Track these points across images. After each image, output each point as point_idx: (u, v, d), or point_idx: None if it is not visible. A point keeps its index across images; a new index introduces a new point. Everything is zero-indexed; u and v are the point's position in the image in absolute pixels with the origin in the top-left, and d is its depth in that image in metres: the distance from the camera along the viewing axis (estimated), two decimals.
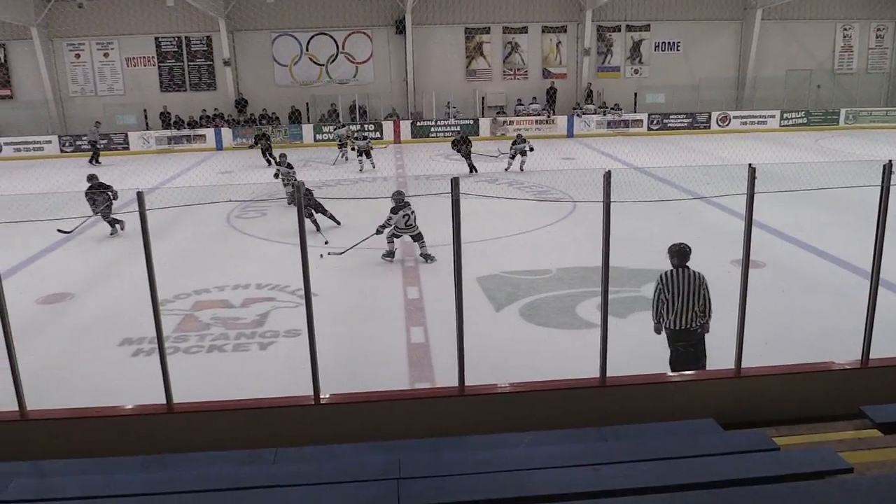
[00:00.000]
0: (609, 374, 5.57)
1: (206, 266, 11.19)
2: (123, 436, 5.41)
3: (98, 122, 26.98)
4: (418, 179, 17.73)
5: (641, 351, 7.38)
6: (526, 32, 30.45)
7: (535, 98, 30.36)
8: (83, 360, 8.11)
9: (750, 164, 5.18)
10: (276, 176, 15.73)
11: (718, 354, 6.38)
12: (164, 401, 5.39)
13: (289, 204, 13.85)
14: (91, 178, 14.39)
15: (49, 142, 28.00)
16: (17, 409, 5.39)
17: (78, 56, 29.25)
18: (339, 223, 13.34)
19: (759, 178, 5.22)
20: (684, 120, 30.01)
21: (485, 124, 29.12)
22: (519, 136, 20.79)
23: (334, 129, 25.44)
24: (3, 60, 28.98)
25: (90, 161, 24.77)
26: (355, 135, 22.71)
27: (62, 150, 27.86)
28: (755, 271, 8.47)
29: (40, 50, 28.21)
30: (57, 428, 5.40)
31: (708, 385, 5.73)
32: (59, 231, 12.24)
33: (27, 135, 28.03)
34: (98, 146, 25.59)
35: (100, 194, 13.87)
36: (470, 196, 5.88)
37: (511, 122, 29.33)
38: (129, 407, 5.63)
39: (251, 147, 25.30)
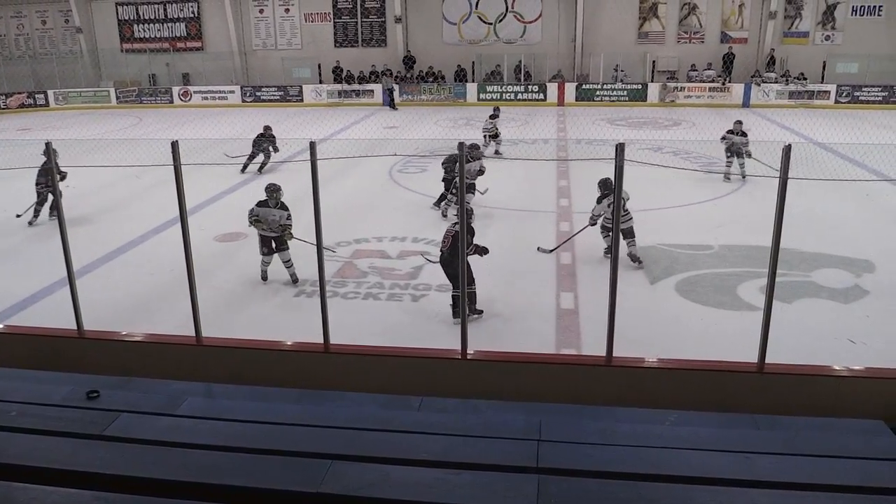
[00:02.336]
0: (768, 360, 5.26)
1: (367, 217, 11.43)
2: (283, 368, 5.80)
3: (389, 73, 28.12)
4: (580, 143, 17.20)
5: (806, 340, 6.92)
6: None
7: (709, 64, 28.57)
8: (252, 296, 8.63)
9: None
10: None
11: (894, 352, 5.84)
12: (321, 340, 5.70)
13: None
14: (266, 128, 15.27)
15: (232, 92, 29.72)
16: (193, 335, 5.92)
17: (262, 11, 30.77)
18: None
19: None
20: (879, 93, 27.22)
21: (653, 90, 27.88)
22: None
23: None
24: (196, 15, 31.14)
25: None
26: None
27: (243, 100, 29.44)
28: None
29: (229, 5, 30.07)
30: (226, 355, 5.87)
31: (880, 384, 5.27)
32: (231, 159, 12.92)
33: (213, 84, 30.11)
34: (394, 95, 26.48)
35: (265, 141, 14.76)
36: (634, 163, 5.68)
37: (682, 89, 27.99)
38: (290, 343, 6.01)
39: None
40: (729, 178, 14.36)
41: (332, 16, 30.63)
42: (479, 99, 28.28)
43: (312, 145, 5.22)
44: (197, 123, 23.05)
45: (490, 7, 29.71)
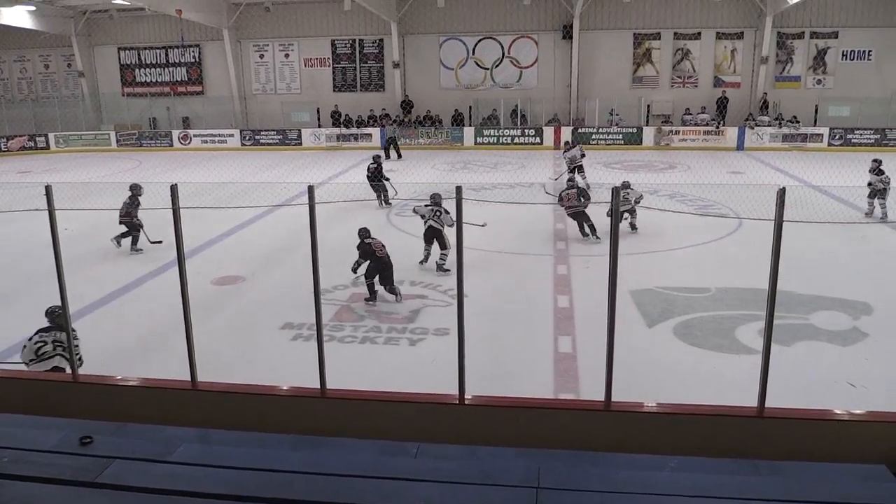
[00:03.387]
0: (768, 404, 5.21)
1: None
2: (279, 413, 5.74)
3: (393, 122, 27.93)
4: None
5: (806, 383, 6.89)
6: (699, 38, 29.16)
7: (703, 108, 28.99)
8: (248, 339, 8.60)
9: (885, 191, 4.64)
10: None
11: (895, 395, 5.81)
12: (317, 385, 5.64)
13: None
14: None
15: (232, 135, 30.11)
16: (189, 379, 5.86)
17: (262, 56, 31.26)
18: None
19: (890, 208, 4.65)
20: (872, 136, 27.56)
21: (648, 134, 28.19)
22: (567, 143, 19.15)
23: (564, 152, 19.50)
24: (197, 59, 31.61)
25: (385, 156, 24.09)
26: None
27: (242, 144, 29.88)
28: None
29: (230, 50, 30.54)
30: (222, 399, 5.81)
31: (882, 428, 5.22)
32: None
33: (213, 128, 30.46)
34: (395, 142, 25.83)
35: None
36: (630, 206, 5.59)
37: (677, 132, 28.30)
38: (286, 388, 5.95)
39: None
40: (871, 214, 14.23)
41: (331, 61, 31.06)
42: (476, 142, 28.61)
43: (311, 189, 5.24)
44: (196, 167, 23.35)
45: (487, 53, 30.19)
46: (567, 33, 29.16)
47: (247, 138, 29.79)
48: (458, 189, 5.15)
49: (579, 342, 8.19)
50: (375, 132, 29.06)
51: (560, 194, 13.03)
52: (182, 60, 31.34)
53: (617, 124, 28.69)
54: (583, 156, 17.16)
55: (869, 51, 28.67)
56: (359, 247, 9.90)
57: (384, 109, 29.94)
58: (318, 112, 30.28)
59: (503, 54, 29.99)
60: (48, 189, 5.64)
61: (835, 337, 8.34)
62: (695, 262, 11.29)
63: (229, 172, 20.05)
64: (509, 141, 28.43)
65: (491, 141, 28.27)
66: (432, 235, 11.16)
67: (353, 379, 6.40)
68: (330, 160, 24.45)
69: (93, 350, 7.12)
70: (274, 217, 14.35)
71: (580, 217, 12.63)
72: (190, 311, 5.71)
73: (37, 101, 31.74)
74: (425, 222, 11.18)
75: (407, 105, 30.32)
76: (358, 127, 29.53)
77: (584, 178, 16.38)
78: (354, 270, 10.35)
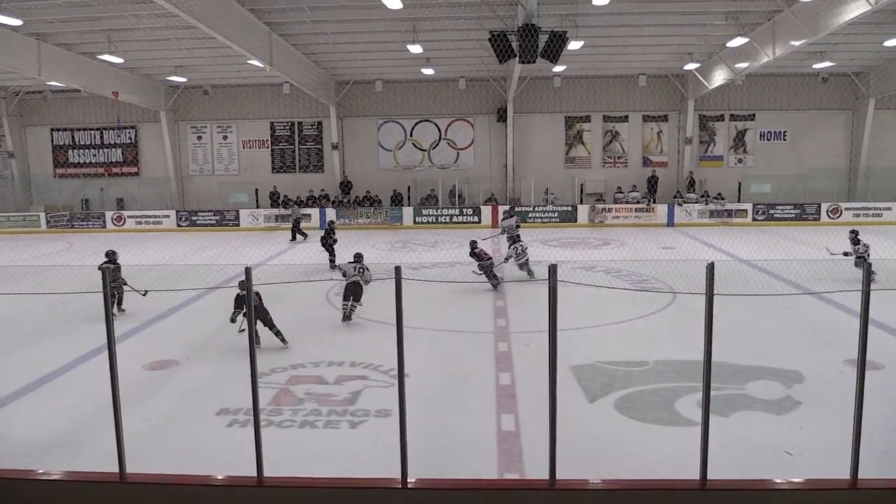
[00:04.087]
0: (710, 476, 5.23)
1: (303, 342, 11.06)
2: None
3: (294, 203, 27.07)
4: (514, 265, 17.73)
5: (745, 454, 6.95)
6: (626, 121, 30.42)
7: (634, 186, 30.02)
8: (182, 426, 8.22)
9: (865, 260, 4.89)
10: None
11: (829, 463, 5.91)
12: (255, 473, 5.41)
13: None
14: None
15: (167, 216, 29.50)
16: (117, 470, 5.53)
17: (200, 138, 31.09)
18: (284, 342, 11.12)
19: (878, 274, 4.91)
20: (792, 211, 28.91)
21: (583, 211, 28.89)
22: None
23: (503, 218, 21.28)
24: (133, 140, 31.10)
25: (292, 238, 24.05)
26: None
27: (178, 225, 29.29)
28: (872, 373, 7.88)
29: (167, 132, 30.25)
30: (153, 492, 5.49)
31: (821, 496, 5.29)
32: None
33: (149, 209, 29.79)
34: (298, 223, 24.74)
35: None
36: (567, 283, 5.77)
37: (610, 210, 29.02)
38: (221, 477, 5.68)
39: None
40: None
41: (269, 143, 30.99)
42: (415, 222, 28.89)
43: (248, 271, 5.14)
44: (130, 248, 22.71)
45: (424, 135, 30.74)
46: (501, 116, 29.96)
47: (183, 219, 29.26)
48: (398, 269, 5.11)
49: (522, 420, 8.09)
50: (314, 212, 28.86)
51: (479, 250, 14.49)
52: (117, 141, 30.94)
53: (552, 202, 29.58)
54: (517, 226, 17.81)
55: (784, 131, 30.34)
56: (236, 299, 10.39)
57: (323, 190, 30.04)
58: (257, 193, 30.17)
59: (440, 136, 30.74)
60: None
61: (770, 406, 8.44)
62: (632, 335, 11.32)
63: (164, 253, 19.63)
64: (448, 220, 28.69)
65: (430, 220, 28.55)
66: (352, 290, 11.65)
67: (292, 465, 6.16)
68: (268, 241, 24.05)
69: (12, 442, 6.68)
70: (210, 299, 13.88)
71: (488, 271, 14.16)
72: (119, 397, 5.46)
73: None
74: (348, 278, 11.61)
75: (346, 185, 30.42)
76: (298, 206, 29.37)
77: (521, 248, 16.20)
78: (233, 320, 10.65)
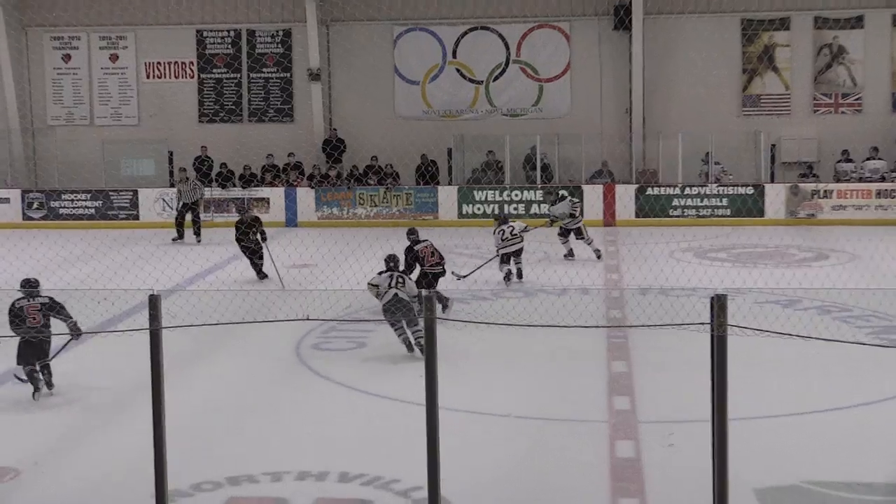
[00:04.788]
0: None
1: (253, 434, 8.01)
2: None
3: (184, 169, 19.08)
4: (646, 295, 12.02)
5: None
6: (860, 26, 19.72)
7: (875, 149, 19.44)
8: None
9: None
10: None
11: None
12: None
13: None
14: None
15: (4, 200, 19.98)
16: None
17: (67, 58, 21.11)
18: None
19: None
20: None
21: (776, 195, 18.91)
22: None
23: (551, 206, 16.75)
24: None
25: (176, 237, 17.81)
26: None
27: (26, 217, 19.93)
28: None
29: (5, 45, 20.52)
30: None
31: None
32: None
33: None
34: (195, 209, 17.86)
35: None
36: (748, 332, 4.97)
37: (827, 194, 18.77)
38: None
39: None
40: None
41: (195, 68, 20.93)
42: (460, 214, 19.53)
43: (154, 300, 4.47)
44: None
45: (478, 55, 20.90)
46: (622, 19, 19.94)
47: (35, 206, 20.11)
48: (427, 300, 4.50)
49: None
50: (276, 194, 19.61)
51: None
52: None
53: (717, 179, 19.56)
54: (572, 215, 14.94)
55: None
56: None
57: (292, 155, 20.34)
58: (171, 158, 20.38)
59: (508, 57, 20.54)
60: None
61: None
62: (873, 430, 8.15)
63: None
64: (523, 209, 19.23)
65: (488, 210, 19.11)
66: (400, 309, 10.13)
67: None
68: (191, 246, 17.31)
69: None
70: (78, 353, 9.95)
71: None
72: None
73: None
74: (382, 296, 10.22)
75: (335, 147, 20.39)
76: (244, 186, 19.74)
77: (588, 243, 14.64)
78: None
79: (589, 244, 14.78)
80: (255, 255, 14.03)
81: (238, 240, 13.96)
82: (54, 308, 8.50)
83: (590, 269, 14.75)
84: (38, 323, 8.04)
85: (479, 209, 18.99)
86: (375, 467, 6.96)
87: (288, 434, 8.03)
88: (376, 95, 20.58)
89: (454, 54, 20.38)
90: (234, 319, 10.52)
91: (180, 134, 20.43)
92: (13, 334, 8.03)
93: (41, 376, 8.16)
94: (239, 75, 20.58)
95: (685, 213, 18.79)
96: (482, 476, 6.69)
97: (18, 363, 8.00)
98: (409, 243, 11.65)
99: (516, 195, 19.12)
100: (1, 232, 18.58)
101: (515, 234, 13.11)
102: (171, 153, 19.96)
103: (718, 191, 18.86)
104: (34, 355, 8.19)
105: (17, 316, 7.84)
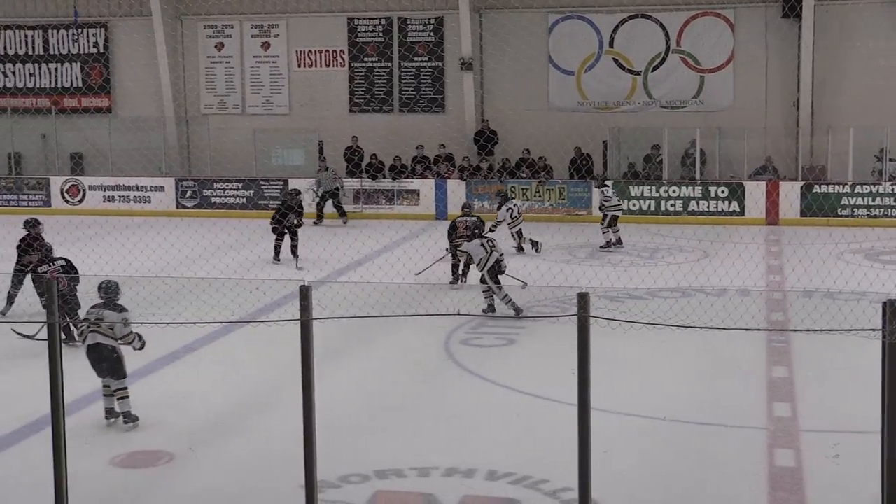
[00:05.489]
0: None
1: (400, 428, 7.95)
2: None
3: (324, 158, 19.16)
4: (812, 297, 11.43)
5: None
6: None
7: None
8: None
9: None
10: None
11: None
12: None
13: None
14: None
15: (160, 188, 19.95)
16: None
17: (220, 46, 20.86)
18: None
19: None
20: None
21: None
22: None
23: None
24: (102, 50, 21.33)
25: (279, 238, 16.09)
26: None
27: (179, 205, 19.85)
28: None
29: (162, 34, 20.41)
30: None
31: None
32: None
33: (128, 174, 20.09)
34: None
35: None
36: None
37: None
38: None
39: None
40: None
41: (346, 56, 20.41)
42: None
43: (304, 291, 4.39)
44: (91, 246, 14.12)
45: (636, 45, 20.03)
46: (793, 7, 18.62)
47: (186, 195, 20.02)
48: (582, 298, 4.28)
49: None
50: (426, 186, 19.23)
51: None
52: (74, 51, 21.49)
53: (893, 178, 18.31)
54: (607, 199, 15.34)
55: None
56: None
57: (443, 146, 19.84)
58: (321, 148, 19.88)
59: (667, 47, 19.58)
60: None
61: None
62: None
63: (151, 258, 13.66)
64: (679, 207, 18.66)
65: (644, 207, 18.83)
66: (497, 271, 10.92)
67: None
68: (339, 234, 16.83)
69: None
70: (229, 342, 10.32)
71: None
72: None
73: None
74: (485, 261, 10.82)
75: (487, 138, 19.62)
76: (395, 178, 19.38)
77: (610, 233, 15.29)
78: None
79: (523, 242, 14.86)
80: (294, 236, 14.73)
81: (279, 221, 14.61)
82: (72, 271, 9.80)
83: (751, 270, 13.82)
84: (63, 286, 8.97)
85: (634, 205, 18.22)
86: (524, 466, 6.83)
87: (436, 429, 7.97)
88: (530, 86, 19.90)
89: (611, 43, 19.45)
90: (384, 312, 10.79)
91: (330, 124, 20.15)
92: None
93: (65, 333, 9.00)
94: (390, 64, 20.15)
95: (855, 213, 17.71)
96: (633, 480, 6.40)
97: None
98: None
99: (674, 191, 18.29)
100: (156, 220, 18.74)
101: (521, 212, 14.71)
102: (321, 143, 19.62)
103: (893, 189, 17.59)
104: (64, 314, 9.14)
105: (39, 280, 8.96)
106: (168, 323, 8.48)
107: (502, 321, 11.63)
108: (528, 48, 19.65)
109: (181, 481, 6.91)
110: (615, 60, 19.53)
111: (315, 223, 17.40)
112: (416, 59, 20.02)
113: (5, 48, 21.77)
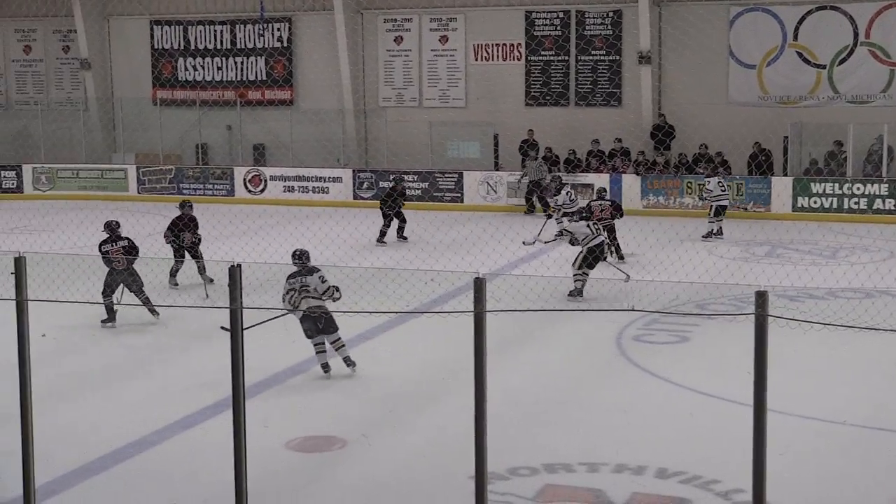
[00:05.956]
0: None
1: (570, 422, 7.88)
2: None
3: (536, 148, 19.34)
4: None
5: None
6: None
7: None
8: None
9: None
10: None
11: None
12: None
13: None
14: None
15: (338, 179, 20.29)
16: None
17: (399, 40, 20.93)
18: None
19: None
20: None
21: None
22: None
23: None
24: (285, 45, 21.64)
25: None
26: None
27: (356, 196, 20.23)
28: None
29: (344, 28, 20.64)
30: None
31: None
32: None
33: (308, 165, 20.73)
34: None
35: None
36: None
37: None
38: None
39: None
40: None
41: (523, 50, 20.24)
42: (794, 207, 18.12)
43: (478, 283, 4.28)
44: (273, 234, 15.49)
45: (822, 36, 19.03)
46: None
47: (364, 185, 20.26)
48: (761, 295, 4.08)
49: None
50: (600, 181, 18.49)
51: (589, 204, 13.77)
52: (259, 45, 21.77)
53: None
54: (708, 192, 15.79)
55: None
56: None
57: (619, 140, 19.48)
58: (497, 141, 20.04)
59: (855, 38, 18.65)
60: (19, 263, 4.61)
61: None
62: None
63: (325, 248, 13.75)
64: (863, 205, 17.85)
65: (827, 205, 18.04)
66: (597, 256, 11.33)
67: None
68: (516, 231, 16.24)
69: None
70: (404, 331, 10.38)
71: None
72: (246, 489, 4.62)
73: (8, 111, 23.86)
74: (589, 240, 11.29)
75: (665, 133, 19.15)
76: (570, 171, 19.06)
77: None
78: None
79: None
80: (399, 217, 15.48)
81: (388, 206, 15.34)
82: (133, 251, 10.15)
83: None
84: (122, 266, 9.50)
85: (815, 202, 17.57)
86: (695, 466, 6.72)
87: (606, 425, 7.86)
88: (709, 80, 19.23)
89: (795, 36, 18.56)
90: (557, 306, 11.10)
91: (506, 117, 20.01)
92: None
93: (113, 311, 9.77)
94: (567, 58, 19.80)
95: None
96: (810, 484, 6.23)
97: (105, 294, 9.57)
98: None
99: (858, 188, 17.47)
100: (335, 210, 18.82)
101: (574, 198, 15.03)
102: (496, 136, 19.60)
103: None
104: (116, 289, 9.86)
105: (103, 256, 9.53)
106: (345, 311, 8.75)
107: (677, 318, 11.43)
108: (709, 41, 18.97)
109: (352, 468, 7.03)
110: (799, 53, 18.67)
111: (525, 213, 18.09)
112: (593, 52, 19.64)
113: (195, 42, 21.96)
